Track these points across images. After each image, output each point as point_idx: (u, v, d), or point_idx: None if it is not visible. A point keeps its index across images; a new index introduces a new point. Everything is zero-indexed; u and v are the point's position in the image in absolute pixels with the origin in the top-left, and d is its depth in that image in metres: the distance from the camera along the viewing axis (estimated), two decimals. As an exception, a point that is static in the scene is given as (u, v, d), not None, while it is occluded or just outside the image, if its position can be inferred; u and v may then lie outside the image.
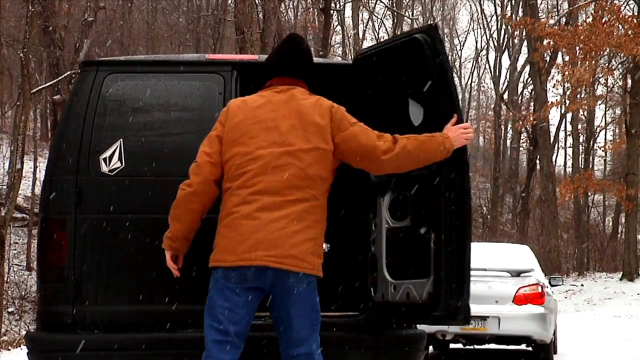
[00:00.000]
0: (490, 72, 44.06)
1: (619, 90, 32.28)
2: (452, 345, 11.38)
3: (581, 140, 38.14)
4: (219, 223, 3.85)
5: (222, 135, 3.92)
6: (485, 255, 11.14)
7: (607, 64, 29.22)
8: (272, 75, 4.07)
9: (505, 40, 41.29)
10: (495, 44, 43.50)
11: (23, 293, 17.42)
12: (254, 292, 3.80)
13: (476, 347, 11.18)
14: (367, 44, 41.16)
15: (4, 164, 21.75)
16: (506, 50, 41.35)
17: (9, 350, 12.43)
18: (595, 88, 31.99)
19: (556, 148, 39.95)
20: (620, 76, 29.40)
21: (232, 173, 3.85)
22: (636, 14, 24.99)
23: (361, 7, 37.03)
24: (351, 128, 3.93)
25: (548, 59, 31.36)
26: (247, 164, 3.82)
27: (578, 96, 28.47)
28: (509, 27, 36.16)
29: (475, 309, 10.49)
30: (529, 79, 36.19)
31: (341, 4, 33.19)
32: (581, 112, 34.50)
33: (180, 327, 4.42)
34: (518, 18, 30.17)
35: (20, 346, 12.39)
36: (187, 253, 4.05)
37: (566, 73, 24.61)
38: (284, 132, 3.87)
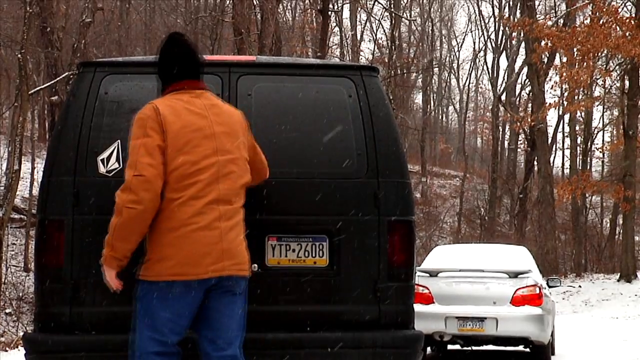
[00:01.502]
0: (488, 73, 44.07)
1: (617, 91, 32.28)
2: (449, 347, 11.39)
3: (579, 141, 38.16)
4: (168, 234, 3.75)
5: (162, 144, 3.78)
6: (482, 256, 11.17)
7: (604, 66, 29.23)
8: (180, 78, 3.98)
9: (503, 41, 41.31)
10: (493, 45, 43.53)
11: (20, 294, 17.40)
12: (197, 300, 3.81)
13: (474, 348, 11.19)
14: (365, 45, 41.25)
15: (1, 165, 21.72)
16: (504, 51, 41.36)
17: (7, 351, 12.42)
18: (593, 90, 32.01)
19: (554, 149, 39.98)
20: (618, 78, 29.40)
21: (180, 183, 3.76)
22: (634, 15, 25.01)
23: (359, 9, 37.05)
24: (254, 142, 4.13)
25: (546, 60, 31.37)
26: (196, 174, 3.77)
27: (576, 98, 28.48)
28: (506, 28, 36.20)
29: (473, 310, 10.61)
30: (527, 80, 36.21)
31: (339, 5, 33.19)
32: (579, 114, 34.52)
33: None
34: (516, 19, 30.19)
35: (17, 347, 12.37)
36: None
37: (564, 74, 24.62)
38: (221, 140, 3.88)
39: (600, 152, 39.43)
